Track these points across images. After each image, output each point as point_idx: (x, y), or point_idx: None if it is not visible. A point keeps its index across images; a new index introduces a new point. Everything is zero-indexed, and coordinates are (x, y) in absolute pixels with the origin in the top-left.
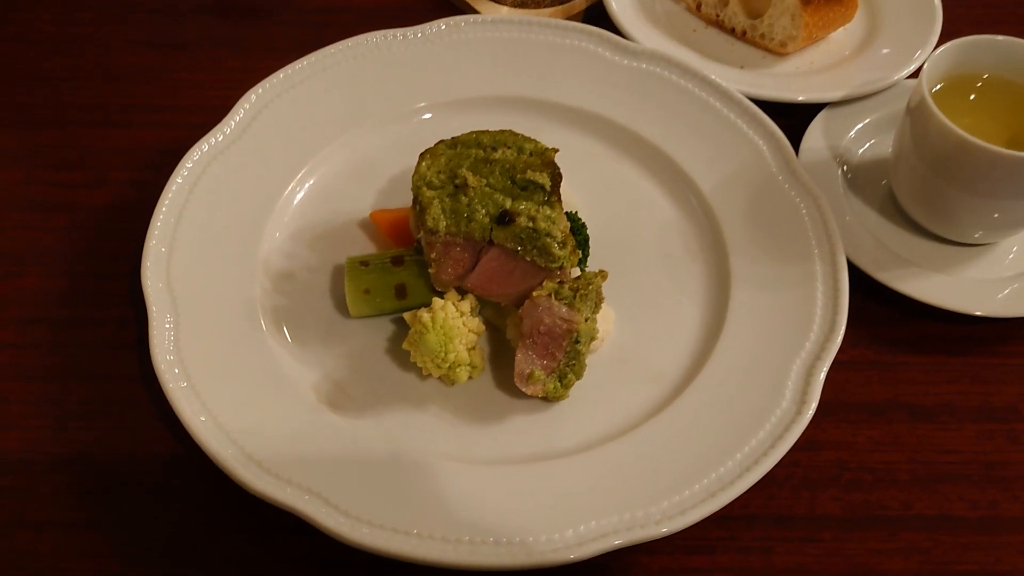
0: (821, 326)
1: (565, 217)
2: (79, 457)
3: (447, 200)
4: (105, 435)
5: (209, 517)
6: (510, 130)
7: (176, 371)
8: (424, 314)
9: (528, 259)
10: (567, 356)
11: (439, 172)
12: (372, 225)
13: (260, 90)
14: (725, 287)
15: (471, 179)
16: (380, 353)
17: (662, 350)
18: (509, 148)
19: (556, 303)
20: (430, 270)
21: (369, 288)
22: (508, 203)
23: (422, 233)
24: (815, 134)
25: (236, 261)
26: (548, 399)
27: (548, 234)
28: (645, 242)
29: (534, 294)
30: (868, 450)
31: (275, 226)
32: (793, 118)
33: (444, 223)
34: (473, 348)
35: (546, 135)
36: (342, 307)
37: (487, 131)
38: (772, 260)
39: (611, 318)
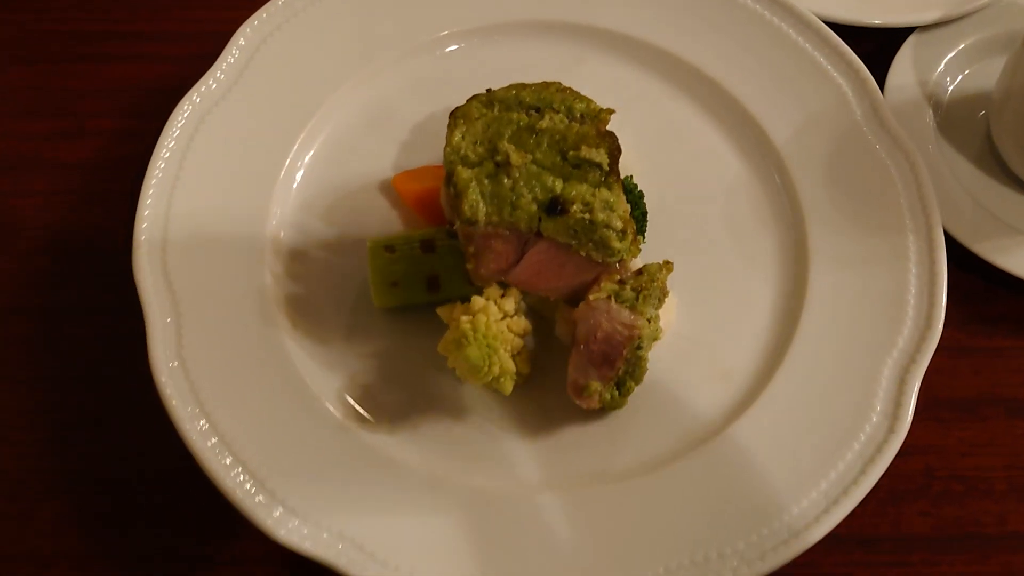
0: (915, 319)
1: (625, 200)
2: (80, 477)
3: (486, 182)
4: (109, 450)
5: (231, 548)
6: (556, 83)
7: (181, 386)
8: (463, 320)
9: (583, 253)
10: (627, 364)
11: (475, 143)
12: (395, 190)
13: (256, 21)
14: (802, 264)
15: (515, 156)
16: (412, 350)
17: (731, 342)
18: (557, 112)
19: (616, 306)
20: (468, 265)
21: (397, 280)
22: (559, 186)
23: (457, 222)
24: (902, 68)
25: (242, 242)
26: (604, 408)
27: (607, 225)
28: (709, 208)
29: (590, 297)
30: (960, 453)
31: (283, 194)
32: (868, 43)
33: (484, 211)
34: (519, 352)
35: (590, 69)
36: (365, 293)
37: (528, 85)
38: (856, 231)
39: (673, 305)
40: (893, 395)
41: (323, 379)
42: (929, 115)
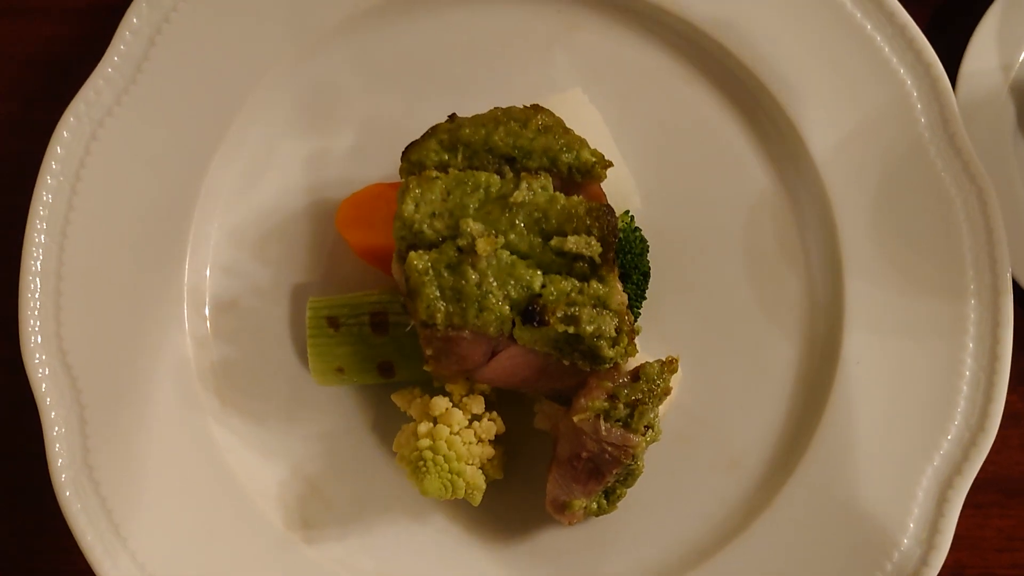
0: (967, 415)
1: (621, 292)
2: None
3: (446, 274)
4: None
5: None
6: (541, 115)
7: (88, 501)
8: (422, 442)
9: (566, 362)
10: (617, 476)
11: (433, 215)
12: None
13: None
14: (835, 324)
15: (482, 243)
16: (364, 429)
17: (743, 421)
18: (536, 173)
19: (606, 426)
20: (426, 366)
21: (343, 366)
22: (537, 282)
23: (412, 320)
24: (982, 47)
25: (153, 299)
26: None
27: (597, 335)
28: (724, 240)
29: (575, 418)
30: (996, 548)
31: (201, 228)
32: (938, 14)
33: (444, 312)
34: (491, 459)
35: (584, 40)
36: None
37: (504, 119)
38: (905, 286)
39: (676, 375)
40: (930, 515)
41: (260, 473)
42: (1011, 112)
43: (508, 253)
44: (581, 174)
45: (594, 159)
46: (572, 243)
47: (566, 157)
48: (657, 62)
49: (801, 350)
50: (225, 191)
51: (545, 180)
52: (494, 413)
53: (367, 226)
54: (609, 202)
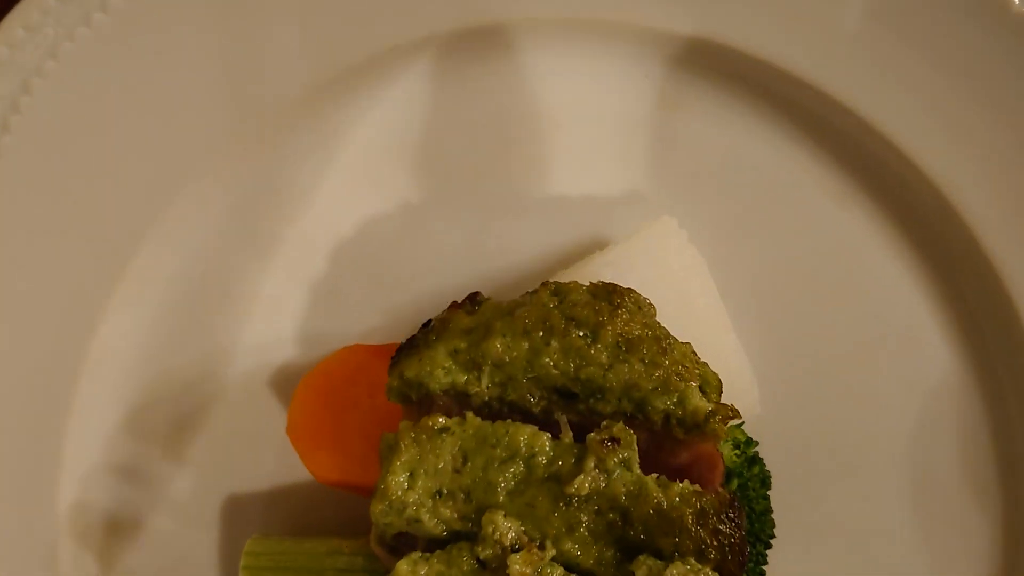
0: None
1: None
2: None
3: None
4: None
5: None
6: (614, 301)
7: None
8: None
9: None
10: None
11: (437, 493)
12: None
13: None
14: None
15: (520, 560)
16: None
17: None
18: (608, 411)
19: None
20: None
21: None
22: None
23: None
24: None
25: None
26: None
27: None
28: (882, 454)
29: None
30: None
31: (90, 401)
32: None
33: None
34: None
35: (683, 123)
36: None
37: (556, 315)
38: None
39: None
40: None
41: None
42: None
43: (562, 572)
44: (685, 428)
45: (710, 407)
46: (666, 543)
47: (662, 402)
48: (791, 168)
49: None
50: (125, 346)
51: (626, 448)
52: None
53: (332, 446)
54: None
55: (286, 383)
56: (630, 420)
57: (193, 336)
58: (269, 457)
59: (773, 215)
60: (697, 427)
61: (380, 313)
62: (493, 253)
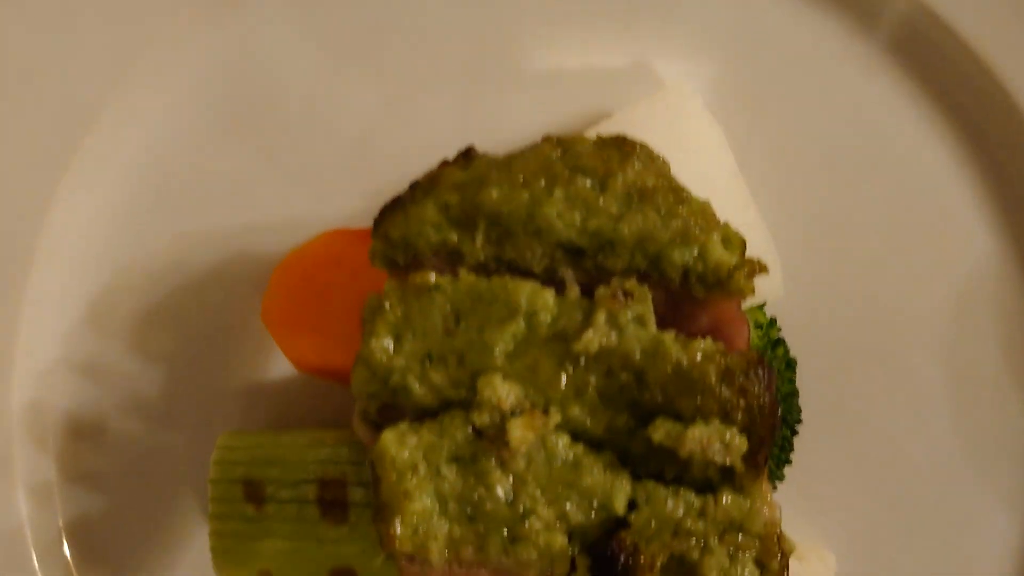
0: None
1: (772, 502)
2: None
3: (451, 475)
4: None
5: None
6: (624, 152)
7: None
8: None
9: None
10: None
11: (427, 357)
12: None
13: None
14: None
15: (520, 425)
16: None
17: None
18: (620, 267)
19: None
20: None
21: (268, 569)
22: (621, 496)
23: (383, 546)
24: None
25: None
26: None
27: None
28: (916, 338)
29: None
30: None
31: (44, 289)
32: None
33: (442, 542)
34: None
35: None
36: None
37: (559, 163)
38: None
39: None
40: None
41: None
42: None
43: (568, 440)
44: (706, 286)
45: (733, 259)
46: (695, 441)
47: (680, 255)
48: (812, 33)
49: None
50: (82, 233)
51: (641, 304)
52: None
53: (312, 329)
54: None
55: (260, 273)
56: (644, 278)
57: (156, 223)
58: (243, 351)
59: (794, 85)
60: (719, 284)
61: (363, 196)
62: (486, 130)
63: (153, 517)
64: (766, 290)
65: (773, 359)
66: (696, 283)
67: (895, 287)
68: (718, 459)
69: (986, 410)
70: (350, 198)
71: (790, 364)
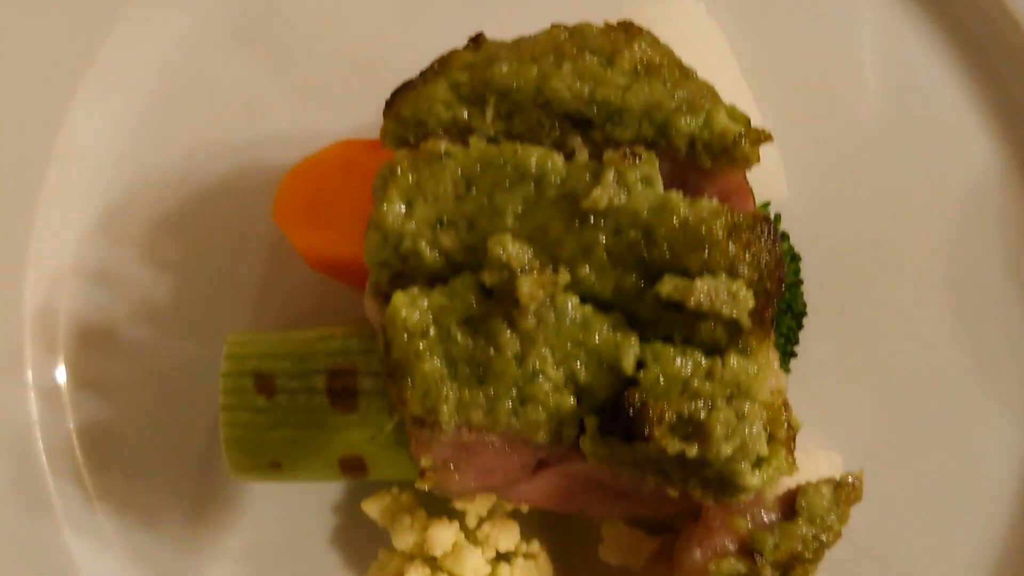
0: None
1: (779, 370)
2: None
3: (461, 337)
4: None
5: None
6: (630, 34)
7: None
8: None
9: (674, 492)
10: None
11: (438, 223)
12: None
13: None
14: None
15: (530, 282)
16: (315, 556)
17: (941, 556)
18: (628, 137)
19: None
20: (420, 482)
21: (280, 459)
22: (630, 355)
23: (394, 409)
24: None
25: None
26: None
27: (738, 448)
28: (919, 243)
29: None
30: None
31: (59, 198)
32: None
33: (452, 405)
34: None
35: None
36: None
37: (568, 43)
38: None
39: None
40: None
41: None
42: None
43: (577, 300)
44: (712, 155)
45: (738, 127)
46: (703, 293)
47: (686, 123)
48: None
49: None
50: (97, 142)
51: (649, 165)
52: (535, 544)
53: (324, 224)
54: None
55: (272, 183)
56: (651, 147)
57: (170, 133)
58: (254, 260)
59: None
60: (725, 152)
61: (375, 108)
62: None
63: (164, 422)
64: (770, 191)
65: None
66: (702, 152)
67: (898, 196)
68: (725, 311)
69: (989, 313)
70: (362, 111)
71: (794, 258)
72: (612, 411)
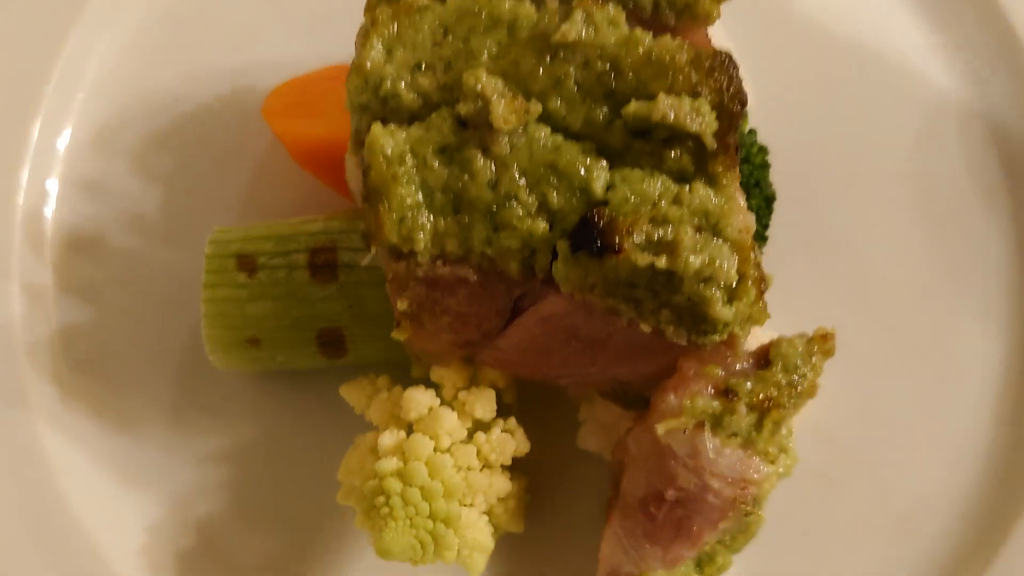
0: None
1: (745, 207)
2: None
3: (436, 165)
4: None
5: None
6: None
7: None
8: (386, 459)
9: (646, 327)
10: (724, 533)
11: (417, 66)
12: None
13: None
14: None
15: (503, 108)
16: (291, 446)
17: (916, 456)
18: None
19: (713, 442)
20: (395, 332)
21: (258, 335)
22: (600, 178)
23: (371, 246)
24: None
25: None
26: None
27: (706, 277)
28: (887, 159)
29: (658, 429)
30: None
31: (55, 110)
32: None
33: (428, 235)
34: (505, 499)
35: None
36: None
37: None
38: None
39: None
40: None
41: (119, 515)
42: None
43: (548, 130)
44: (676, 11)
45: None
46: (666, 109)
47: None
48: None
49: (1008, 343)
50: (91, 64)
51: (615, 9)
52: (512, 421)
53: (308, 113)
54: None
55: (257, 99)
56: (618, 3)
57: (166, 56)
58: (244, 179)
59: None
60: (687, 8)
61: None
62: None
63: (147, 328)
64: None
65: (749, 147)
66: (666, 9)
67: (861, 121)
68: (690, 125)
69: (955, 233)
70: (352, 37)
71: (762, 149)
72: (585, 227)
